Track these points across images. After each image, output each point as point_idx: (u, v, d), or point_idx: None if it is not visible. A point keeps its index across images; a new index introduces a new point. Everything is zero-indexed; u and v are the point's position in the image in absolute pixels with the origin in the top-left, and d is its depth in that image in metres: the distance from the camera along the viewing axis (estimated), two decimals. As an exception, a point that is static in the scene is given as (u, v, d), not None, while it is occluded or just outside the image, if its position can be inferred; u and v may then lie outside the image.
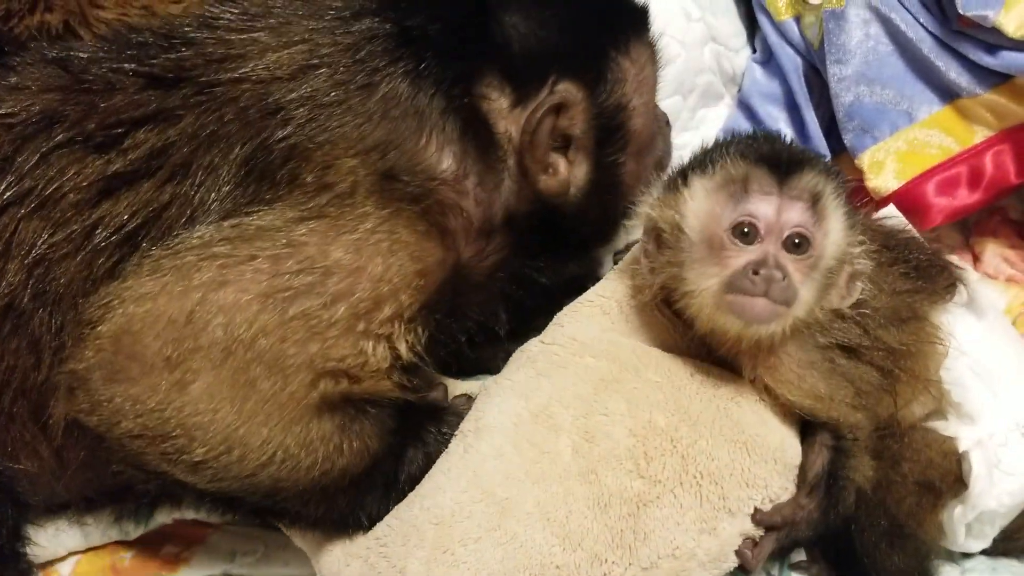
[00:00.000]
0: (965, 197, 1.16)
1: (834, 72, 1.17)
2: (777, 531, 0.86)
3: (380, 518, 0.88)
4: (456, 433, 0.91)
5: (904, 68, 1.17)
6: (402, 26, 0.91)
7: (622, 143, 0.97)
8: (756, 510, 0.85)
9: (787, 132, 1.24)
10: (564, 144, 0.94)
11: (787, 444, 0.89)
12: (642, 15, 1.02)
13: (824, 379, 0.87)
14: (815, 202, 0.83)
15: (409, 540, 0.84)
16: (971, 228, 1.26)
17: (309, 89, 0.87)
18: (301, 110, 0.86)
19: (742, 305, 0.81)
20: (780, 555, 0.94)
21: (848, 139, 1.17)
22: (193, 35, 0.91)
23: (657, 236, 0.88)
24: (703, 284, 0.83)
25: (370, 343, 0.84)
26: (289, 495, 0.86)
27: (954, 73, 1.14)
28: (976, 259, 1.24)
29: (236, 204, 0.85)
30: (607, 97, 0.94)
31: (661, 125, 1.08)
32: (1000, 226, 1.25)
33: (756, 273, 0.80)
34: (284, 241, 0.82)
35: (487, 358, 1.10)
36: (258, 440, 0.80)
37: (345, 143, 0.86)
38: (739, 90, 1.30)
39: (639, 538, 0.82)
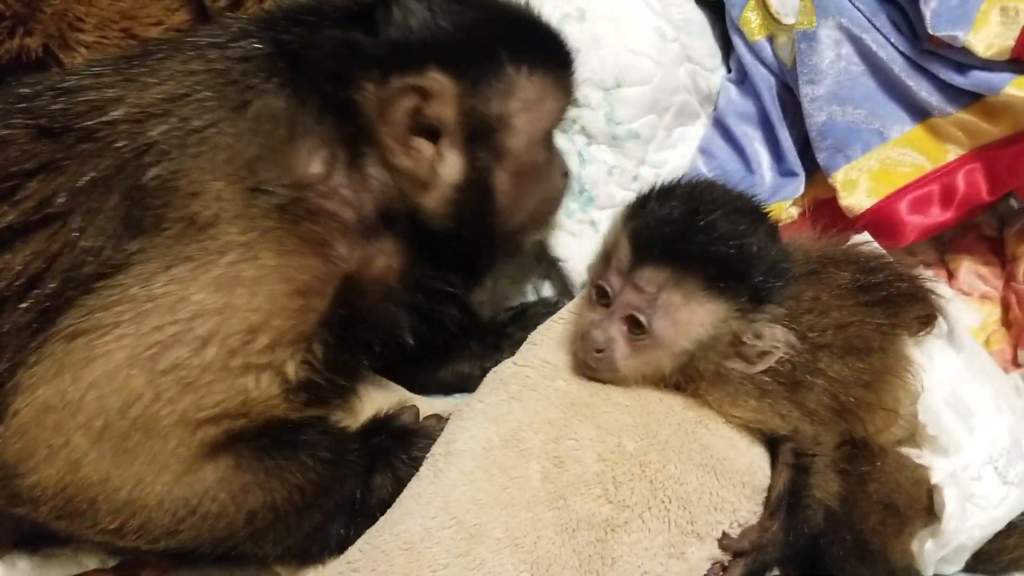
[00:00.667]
0: (938, 215, 1.16)
1: (807, 92, 1.17)
2: (745, 556, 0.87)
3: (351, 542, 0.89)
4: (427, 456, 0.91)
5: (876, 88, 1.17)
6: (278, 42, 0.92)
7: (495, 154, 0.95)
8: (724, 535, 0.86)
9: (761, 151, 1.25)
10: (434, 136, 0.93)
11: (755, 467, 0.90)
12: (562, 50, 1.01)
13: (756, 397, 0.89)
14: (657, 295, 0.87)
15: (379, 566, 0.84)
16: (946, 245, 1.27)
17: (178, 119, 0.87)
18: (171, 142, 0.86)
19: (576, 364, 0.94)
20: (753, 576, 0.95)
21: (821, 158, 1.18)
22: (78, 83, 0.92)
23: None
24: None
25: (250, 377, 0.84)
26: (234, 541, 0.86)
27: (925, 92, 1.14)
28: (951, 276, 1.25)
29: (117, 253, 0.84)
30: (485, 102, 0.92)
31: (553, 166, 1.05)
32: (975, 243, 1.25)
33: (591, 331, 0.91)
34: (145, 297, 0.82)
35: (464, 377, 1.12)
36: (155, 500, 0.82)
37: (212, 166, 0.86)
38: (715, 109, 1.30)
39: (607, 563, 0.83)
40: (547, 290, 1.23)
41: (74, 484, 0.81)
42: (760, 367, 0.88)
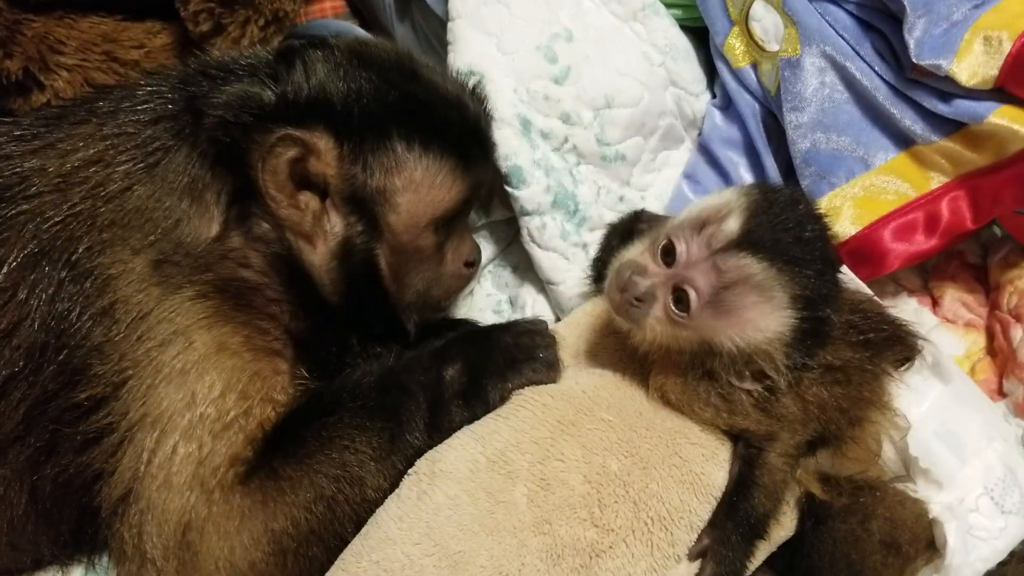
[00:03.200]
0: (922, 242, 1.16)
1: (791, 119, 1.18)
2: (713, 564, 0.85)
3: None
4: (410, 473, 0.89)
5: (860, 115, 1.18)
6: (187, 98, 0.94)
7: (375, 227, 0.95)
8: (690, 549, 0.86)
9: (746, 176, 1.25)
10: (322, 194, 0.94)
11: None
12: (470, 140, 1.00)
13: (711, 408, 0.88)
14: (734, 285, 0.82)
15: (358, 596, 0.82)
16: (930, 272, 1.27)
17: (95, 185, 0.90)
18: (93, 210, 0.89)
19: (608, 291, 0.89)
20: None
21: (805, 185, 1.18)
22: (6, 149, 0.93)
23: None
24: None
25: (249, 417, 0.89)
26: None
27: (909, 120, 1.14)
28: (935, 303, 1.25)
29: (81, 345, 0.88)
30: (367, 173, 0.93)
31: (447, 254, 1.03)
32: (959, 271, 1.25)
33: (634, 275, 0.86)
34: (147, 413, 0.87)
35: None
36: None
37: (128, 235, 0.89)
38: (699, 134, 1.31)
39: (591, 591, 0.81)
40: (543, 307, 1.21)
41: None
42: (748, 385, 0.86)
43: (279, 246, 0.94)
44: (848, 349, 0.90)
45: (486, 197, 1.09)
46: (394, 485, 0.89)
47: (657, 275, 0.87)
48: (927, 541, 0.92)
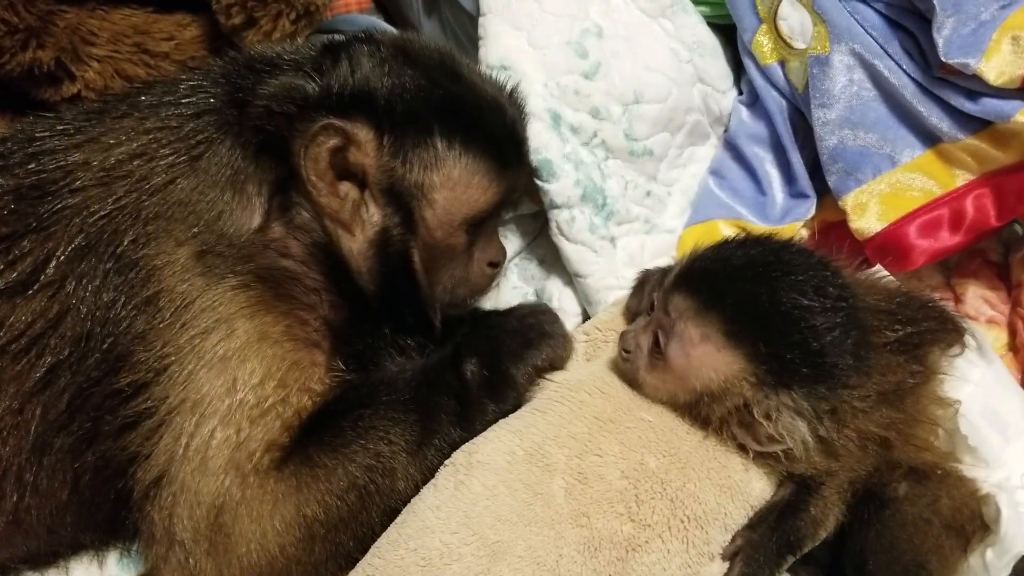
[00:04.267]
0: (947, 239, 1.17)
1: (818, 116, 1.18)
2: (743, 565, 0.87)
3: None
4: (447, 464, 0.90)
5: (887, 113, 1.18)
6: (231, 91, 0.95)
7: (410, 221, 0.96)
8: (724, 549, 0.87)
9: (773, 172, 1.26)
10: (362, 185, 0.95)
11: (766, 491, 0.91)
12: (508, 143, 1.00)
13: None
14: (677, 321, 0.87)
15: (397, 583, 0.83)
16: (952, 270, 1.28)
17: (139, 179, 0.91)
18: (138, 203, 0.90)
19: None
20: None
21: (832, 181, 1.19)
22: (45, 146, 0.95)
23: None
24: None
25: (286, 405, 0.90)
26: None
27: (936, 119, 1.15)
28: (957, 300, 1.25)
29: (126, 333, 0.89)
30: (406, 167, 0.93)
31: (474, 255, 1.03)
32: (981, 268, 1.26)
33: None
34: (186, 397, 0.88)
35: None
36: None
37: (172, 228, 0.91)
38: (726, 130, 1.31)
39: (627, 583, 0.82)
40: (569, 300, 1.22)
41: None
42: (765, 449, 0.86)
43: (319, 235, 0.95)
44: (893, 358, 0.89)
45: (516, 200, 1.09)
46: (425, 479, 0.90)
47: (643, 325, 0.93)
48: (982, 518, 0.92)
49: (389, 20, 1.53)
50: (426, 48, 1.01)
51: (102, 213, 0.90)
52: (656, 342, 0.89)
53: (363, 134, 0.92)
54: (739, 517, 0.88)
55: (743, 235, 0.97)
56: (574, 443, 0.88)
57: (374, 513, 0.89)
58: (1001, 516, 0.90)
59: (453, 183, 0.95)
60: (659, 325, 0.90)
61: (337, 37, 1.03)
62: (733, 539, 0.87)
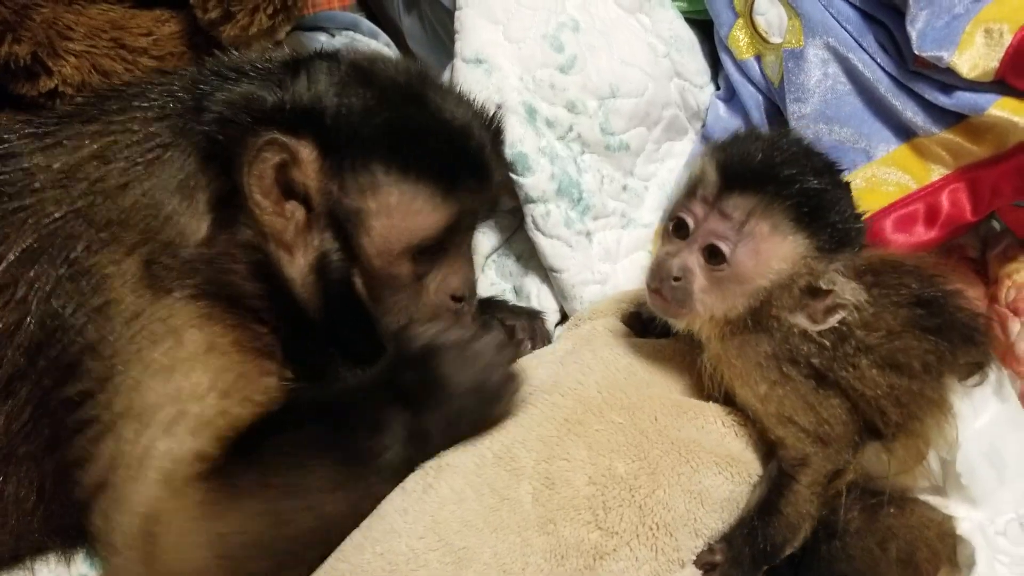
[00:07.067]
0: (922, 234, 1.17)
1: (793, 110, 1.18)
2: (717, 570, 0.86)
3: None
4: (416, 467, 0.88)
5: (862, 107, 1.18)
6: (196, 97, 0.94)
7: (349, 248, 0.93)
8: (699, 554, 0.86)
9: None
10: (308, 206, 0.93)
11: (737, 496, 0.90)
12: (457, 170, 0.95)
13: (769, 384, 0.88)
14: (744, 221, 0.86)
15: (362, 588, 0.82)
16: (929, 265, 1.28)
17: (95, 181, 0.90)
18: (91, 207, 0.89)
19: (649, 295, 0.92)
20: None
21: (807, 176, 1.18)
22: (11, 148, 0.94)
23: None
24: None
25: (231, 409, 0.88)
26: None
27: (910, 112, 1.15)
28: (935, 295, 1.25)
29: (75, 341, 0.88)
30: (344, 191, 0.91)
31: (427, 284, 0.98)
32: (957, 264, 1.26)
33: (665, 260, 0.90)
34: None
35: None
36: None
37: (123, 234, 0.89)
38: (703, 125, 1.32)
39: (594, 592, 0.81)
40: (547, 296, 1.22)
41: None
42: (823, 325, 0.86)
43: (261, 254, 0.93)
44: (913, 329, 0.89)
45: (487, 213, 1.06)
46: (362, 497, 0.87)
47: (681, 248, 0.90)
48: (947, 558, 0.91)
49: (371, 17, 1.52)
50: (392, 69, 0.98)
51: (57, 216, 0.88)
52: (710, 255, 0.88)
53: (306, 153, 0.90)
54: (711, 522, 0.88)
55: (739, 130, 0.99)
56: (543, 447, 0.87)
57: (298, 541, 0.85)
58: (975, 565, 0.89)
59: (390, 210, 0.92)
60: (713, 235, 0.88)
61: (305, 53, 1.01)
62: (710, 549, 0.87)
